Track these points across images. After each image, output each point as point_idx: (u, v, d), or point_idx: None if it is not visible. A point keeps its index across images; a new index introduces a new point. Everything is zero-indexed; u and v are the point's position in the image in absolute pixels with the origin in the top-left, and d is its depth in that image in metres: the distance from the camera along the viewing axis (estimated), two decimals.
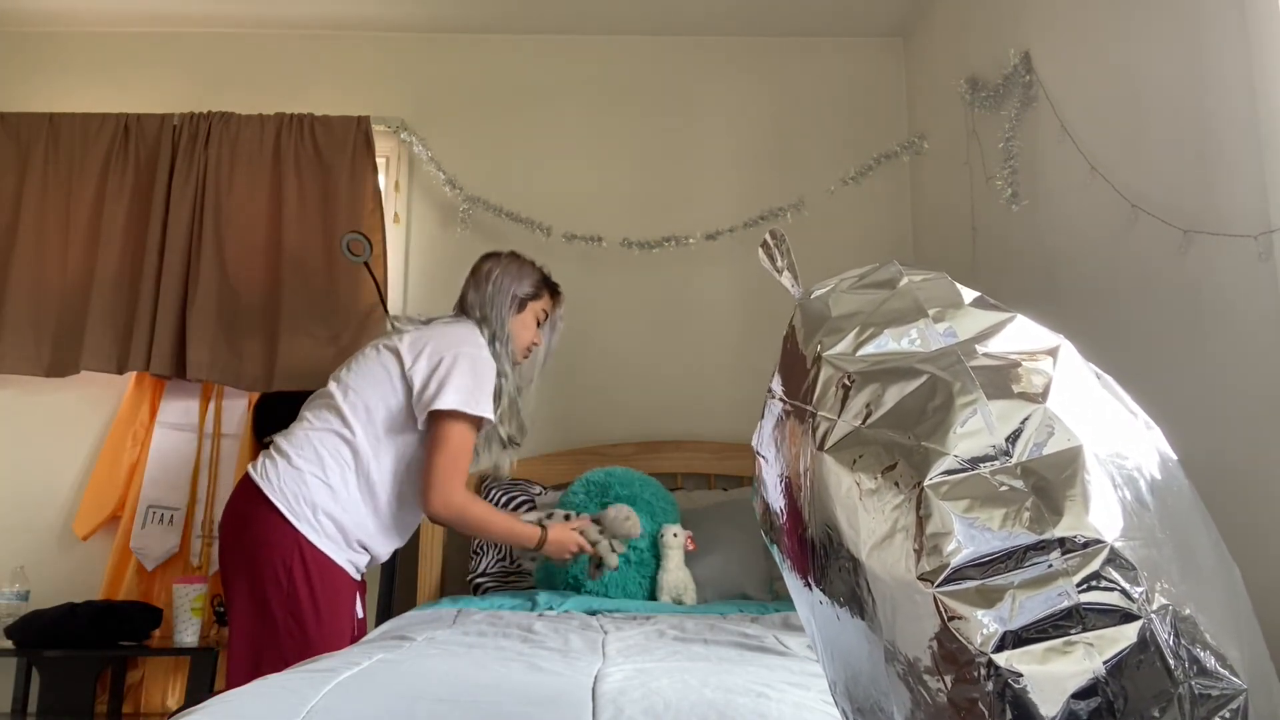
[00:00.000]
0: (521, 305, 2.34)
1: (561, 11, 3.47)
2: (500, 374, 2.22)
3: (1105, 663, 0.57)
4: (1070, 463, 0.62)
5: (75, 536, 3.13)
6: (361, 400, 2.12)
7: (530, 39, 3.61)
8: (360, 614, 2.28)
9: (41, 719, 2.85)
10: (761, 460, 0.85)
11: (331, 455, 2.08)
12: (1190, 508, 0.68)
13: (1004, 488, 0.62)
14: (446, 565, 3.09)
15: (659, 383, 3.39)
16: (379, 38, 3.59)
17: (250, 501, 2.05)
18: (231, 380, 3.16)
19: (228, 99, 3.40)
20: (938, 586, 0.60)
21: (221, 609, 2.93)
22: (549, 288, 2.43)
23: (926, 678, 0.61)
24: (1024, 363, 0.69)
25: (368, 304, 3.18)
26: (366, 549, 2.13)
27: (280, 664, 1.67)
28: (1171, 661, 0.58)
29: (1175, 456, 0.70)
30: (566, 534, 2.30)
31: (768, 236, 0.94)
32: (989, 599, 0.59)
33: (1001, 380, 0.67)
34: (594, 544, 2.32)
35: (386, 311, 3.06)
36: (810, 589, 0.75)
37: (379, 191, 3.32)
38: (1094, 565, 0.59)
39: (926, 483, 0.63)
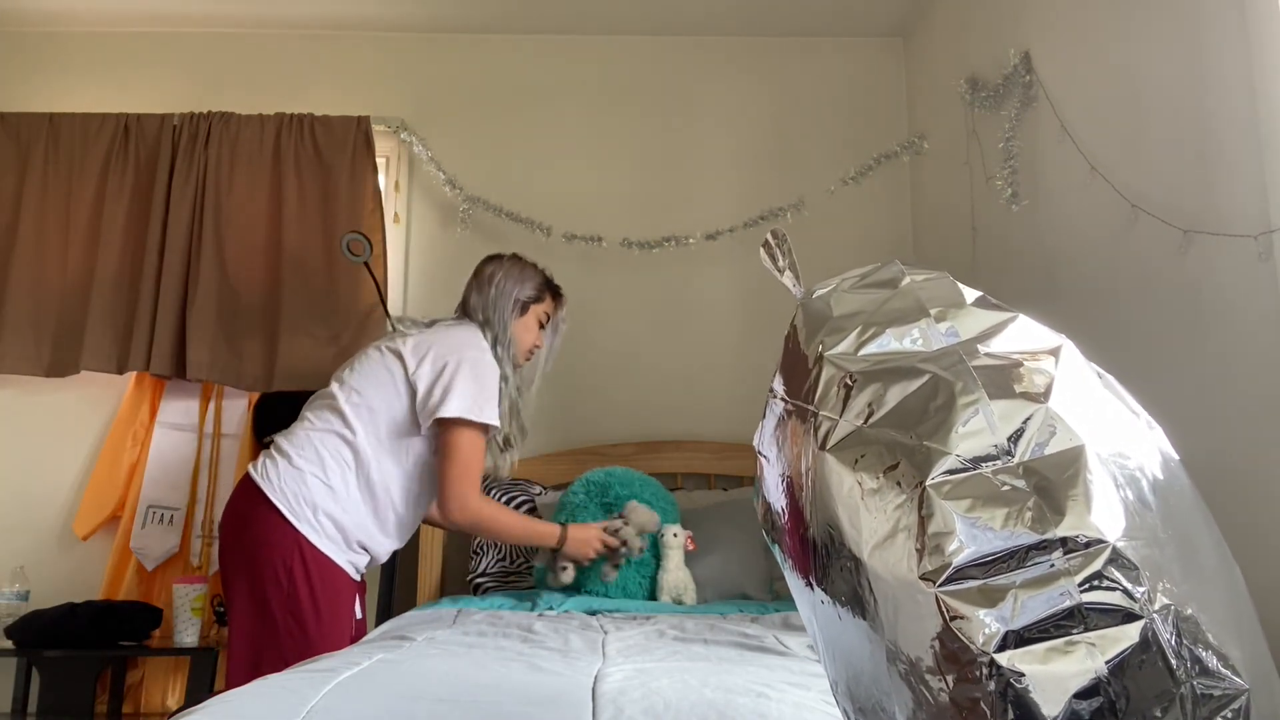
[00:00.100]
0: (524, 308, 2.35)
1: (561, 11, 3.47)
2: (502, 377, 2.23)
3: (1107, 662, 0.57)
4: (1072, 462, 0.62)
5: (75, 536, 3.13)
6: (364, 402, 2.13)
7: (530, 39, 3.61)
8: (360, 614, 2.28)
9: (41, 719, 2.85)
10: (763, 460, 0.85)
11: (332, 456, 2.08)
12: (1192, 507, 0.68)
13: (1006, 487, 0.62)
14: (446, 565, 3.09)
15: (659, 383, 3.39)
16: (379, 38, 3.59)
17: (250, 501, 2.05)
18: (231, 380, 3.16)
19: (228, 99, 3.40)
20: (940, 586, 0.60)
21: (221, 609, 2.93)
22: (551, 290, 2.44)
23: (928, 677, 0.61)
24: (1026, 362, 0.69)
25: (368, 304, 3.18)
26: (366, 549, 2.13)
27: (280, 664, 1.67)
28: (1174, 661, 0.58)
29: (1177, 456, 0.70)
30: (587, 531, 2.33)
31: (769, 236, 0.94)
32: (991, 599, 0.59)
33: (1003, 380, 0.67)
34: (616, 532, 2.37)
35: (387, 312, 3.06)
36: (812, 589, 0.75)
37: (379, 191, 3.32)
38: (1096, 565, 0.59)
39: (928, 482, 0.63)
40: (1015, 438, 0.64)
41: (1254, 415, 1.77)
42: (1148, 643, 0.58)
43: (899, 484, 0.64)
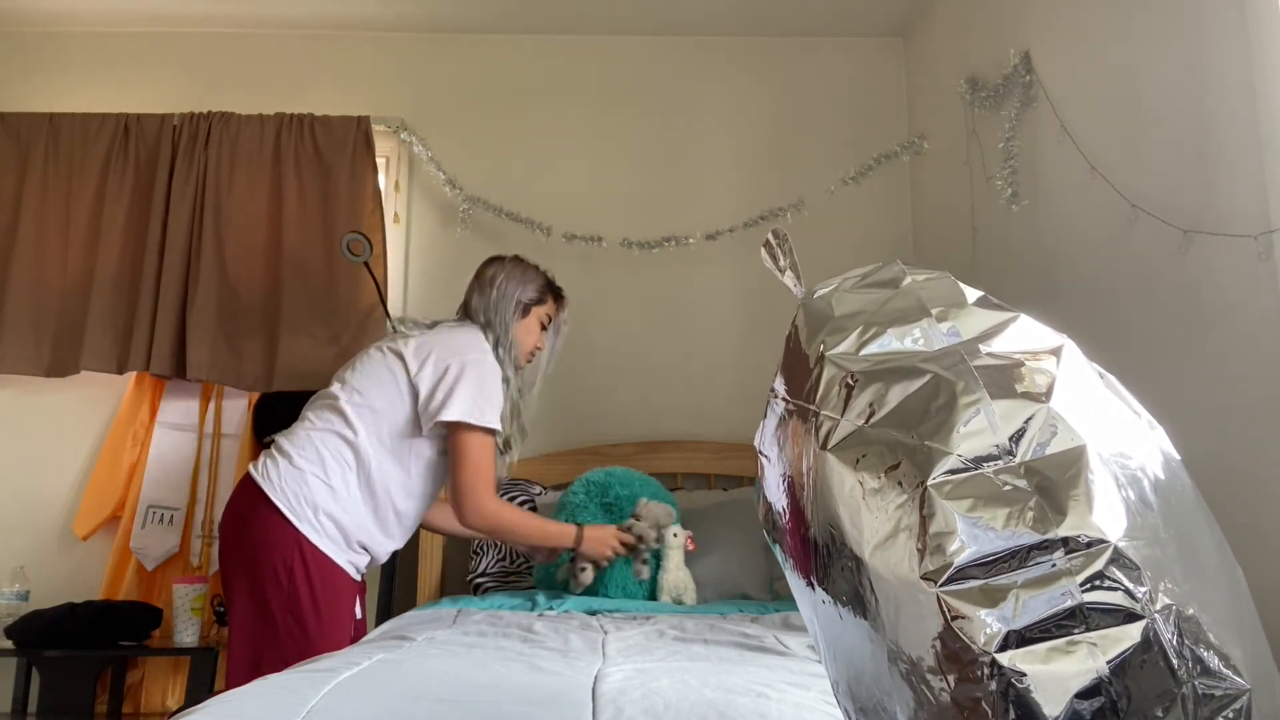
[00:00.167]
0: (526, 311, 2.35)
1: (561, 11, 3.47)
2: (503, 379, 2.24)
3: (1109, 662, 0.57)
4: (1074, 462, 0.62)
5: (75, 536, 3.13)
6: (366, 402, 2.13)
7: (530, 39, 3.61)
8: (360, 614, 2.28)
9: (41, 719, 2.85)
10: (764, 460, 0.85)
11: (333, 456, 2.08)
12: (1193, 507, 0.68)
13: (1007, 487, 0.62)
14: (446, 565, 3.09)
15: (659, 383, 3.39)
16: (379, 38, 3.59)
17: (251, 501, 2.05)
18: (231, 380, 3.16)
19: (228, 99, 3.40)
20: (941, 586, 0.60)
21: (221, 609, 2.93)
22: (553, 292, 2.44)
23: (930, 677, 0.61)
24: (1027, 362, 0.68)
25: (368, 304, 3.18)
26: (367, 549, 2.13)
27: (280, 664, 1.67)
28: (1175, 661, 0.58)
29: (1178, 456, 0.70)
30: (603, 531, 2.34)
31: (770, 236, 0.94)
32: (992, 598, 0.59)
33: (1005, 380, 0.67)
34: (629, 528, 2.39)
35: (387, 312, 3.06)
36: (813, 589, 0.75)
37: (379, 191, 3.32)
38: (1097, 565, 0.59)
39: (930, 482, 0.63)
40: (1017, 438, 0.64)
41: (1254, 415, 1.77)
42: (1149, 643, 0.58)
43: (900, 484, 0.64)
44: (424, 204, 3.48)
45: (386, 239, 3.27)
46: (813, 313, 0.82)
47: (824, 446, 0.71)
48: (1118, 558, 0.59)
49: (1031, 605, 0.58)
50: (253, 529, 2.04)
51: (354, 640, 2.07)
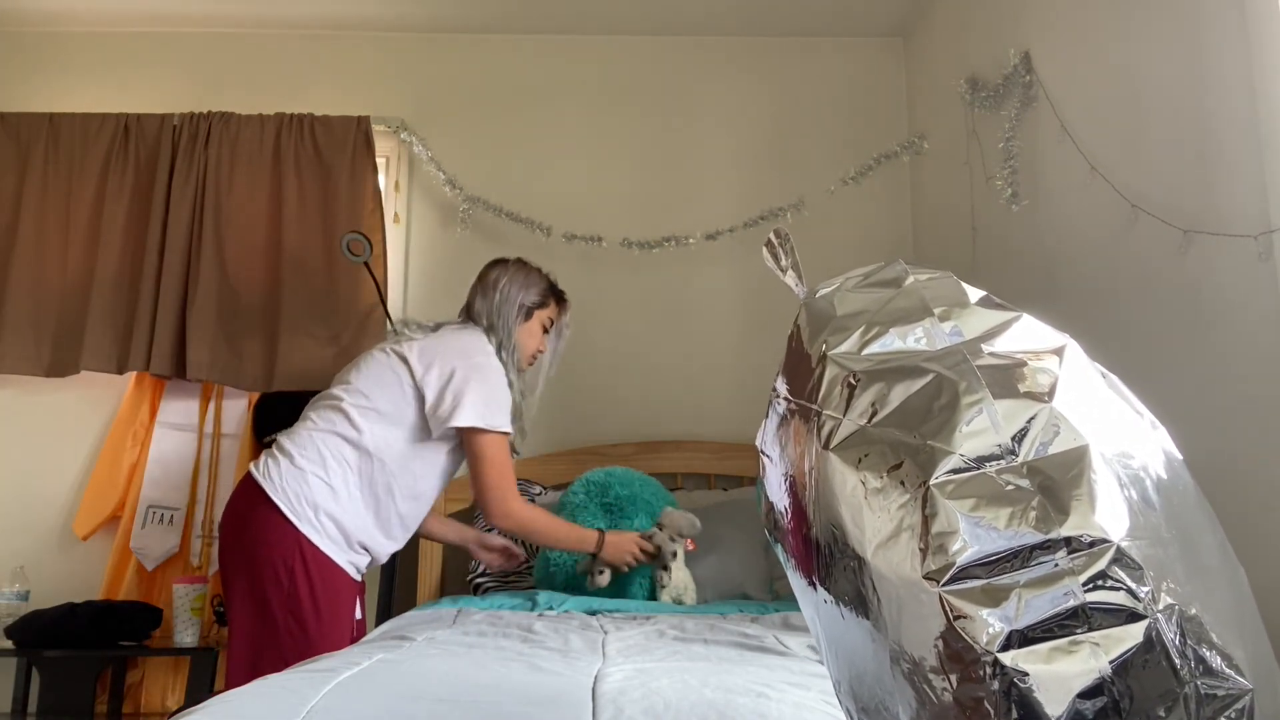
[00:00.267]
0: (528, 314, 2.36)
1: (561, 11, 3.47)
2: (507, 382, 2.25)
3: (1111, 662, 0.57)
4: (1076, 462, 0.62)
5: (75, 536, 3.13)
6: (370, 404, 2.13)
7: (530, 39, 3.61)
8: (360, 615, 2.28)
9: (41, 719, 2.85)
10: (766, 460, 0.85)
11: (335, 456, 2.08)
12: (1196, 507, 0.68)
13: (1010, 487, 0.62)
14: (446, 565, 3.09)
15: (659, 383, 3.39)
16: (379, 38, 3.59)
17: (251, 501, 2.05)
18: (231, 380, 3.16)
19: (228, 99, 3.40)
20: (943, 585, 0.60)
21: (221, 609, 2.93)
22: (555, 295, 2.45)
23: (932, 677, 0.61)
24: (1030, 362, 0.68)
25: (368, 304, 3.18)
26: (367, 550, 2.13)
27: (280, 664, 1.67)
28: (1177, 661, 0.58)
29: (1180, 456, 0.70)
30: (625, 538, 2.36)
31: (772, 236, 0.94)
32: (995, 598, 0.59)
33: (1007, 379, 0.67)
34: (650, 537, 2.41)
35: (387, 312, 3.06)
36: (815, 588, 0.75)
37: (379, 191, 3.32)
38: (1100, 565, 0.59)
39: (932, 482, 0.63)
40: (1019, 437, 0.64)
41: (1254, 415, 1.77)
42: (1151, 642, 0.58)
43: (902, 483, 0.64)
44: (424, 204, 3.48)
45: (386, 239, 3.27)
46: (815, 312, 0.82)
47: (826, 446, 0.71)
48: (1120, 557, 0.59)
49: (1034, 605, 0.58)
50: (253, 529, 2.04)
51: (354, 640, 2.07)
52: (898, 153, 3.44)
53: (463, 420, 2.11)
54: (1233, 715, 0.59)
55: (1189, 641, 0.59)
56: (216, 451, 3.21)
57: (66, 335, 3.18)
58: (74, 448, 3.25)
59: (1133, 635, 0.58)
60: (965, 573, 0.60)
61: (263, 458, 2.12)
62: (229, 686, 1.80)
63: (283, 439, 2.14)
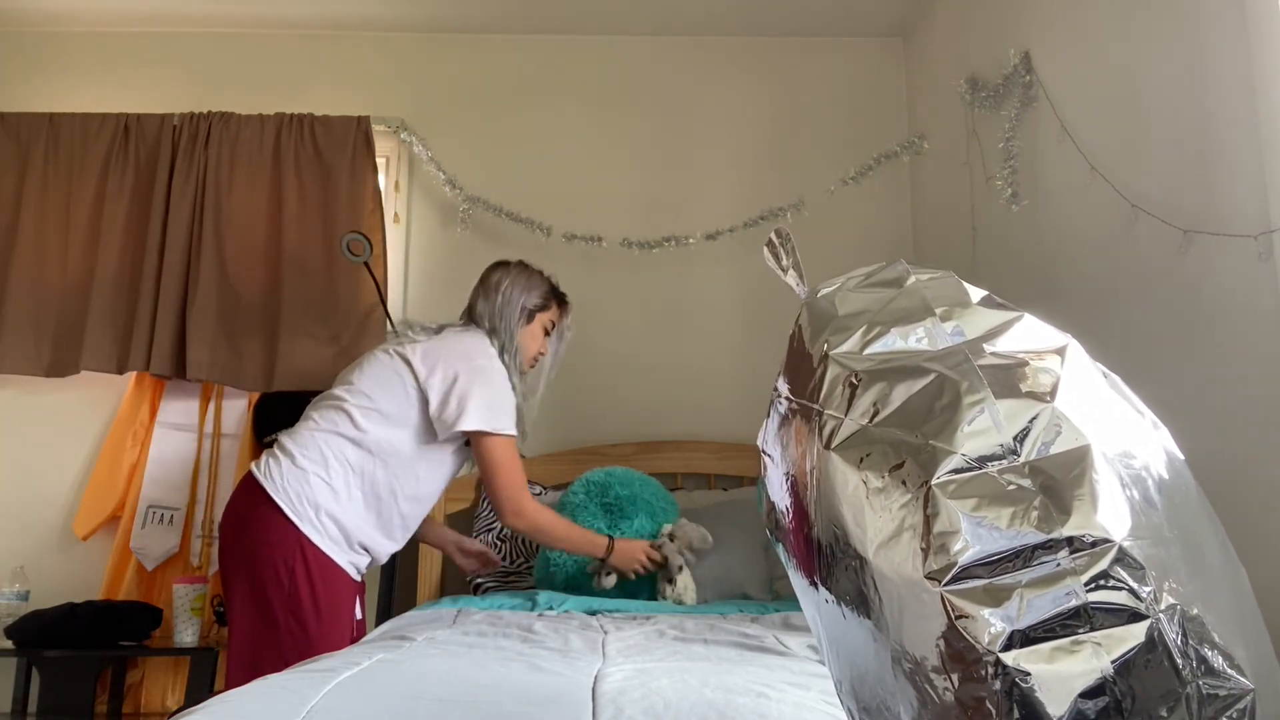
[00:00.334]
0: (530, 317, 2.37)
1: (561, 11, 3.47)
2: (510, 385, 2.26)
3: (1113, 662, 0.57)
4: (1078, 462, 0.62)
5: (75, 536, 3.13)
6: (373, 405, 2.14)
7: (530, 39, 3.61)
8: (360, 615, 2.28)
9: (41, 719, 2.85)
10: (767, 459, 0.85)
11: (336, 457, 2.08)
12: (1197, 507, 0.68)
13: (1012, 487, 0.62)
14: (446, 565, 3.09)
15: (659, 383, 3.39)
16: (379, 38, 3.59)
17: (252, 501, 2.05)
18: (232, 380, 3.16)
19: (228, 99, 3.40)
20: (945, 585, 0.60)
21: (221, 609, 2.93)
22: (557, 298, 2.46)
23: (933, 677, 0.61)
24: (1031, 362, 0.68)
25: (368, 304, 3.18)
26: (368, 550, 2.13)
27: (280, 664, 1.67)
28: (1179, 661, 0.58)
29: (1182, 456, 0.70)
30: (634, 545, 2.37)
31: (773, 235, 0.94)
32: (996, 598, 0.59)
33: (1009, 379, 0.67)
34: (659, 547, 2.42)
35: (387, 312, 3.06)
36: (816, 588, 0.75)
37: (379, 191, 3.32)
38: (1102, 564, 0.59)
39: (934, 481, 0.63)
40: (1021, 437, 0.64)
41: (1254, 415, 1.77)
42: (1153, 642, 0.58)
43: (904, 483, 0.64)
44: (424, 204, 3.48)
45: (386, 239, 3.27)
46: (816, 312, 0.82)
47: (827, 446, 0.71)
48: (1122, 557, 0.59)
49: (1036, 605, 0.58)
50: (253, 528, 2.04)
51: (354, 640, 2.07)
52: (898, 153, 3.44)
53: (469, 424, 2.12)
54: (1234, 715, 0.59)
55: (1191, 641, 0.59)
56: (216, 451, 3.21)
57: (66, 335, 3.18)
58: (74, 448, 3.25)
59: (1135, 635, 0.58)
60: (967, 572, 0.60)
61: (264, 457, 2.12)
62: (229, 686, 1.80)
63: (284, 439, 2.14)
